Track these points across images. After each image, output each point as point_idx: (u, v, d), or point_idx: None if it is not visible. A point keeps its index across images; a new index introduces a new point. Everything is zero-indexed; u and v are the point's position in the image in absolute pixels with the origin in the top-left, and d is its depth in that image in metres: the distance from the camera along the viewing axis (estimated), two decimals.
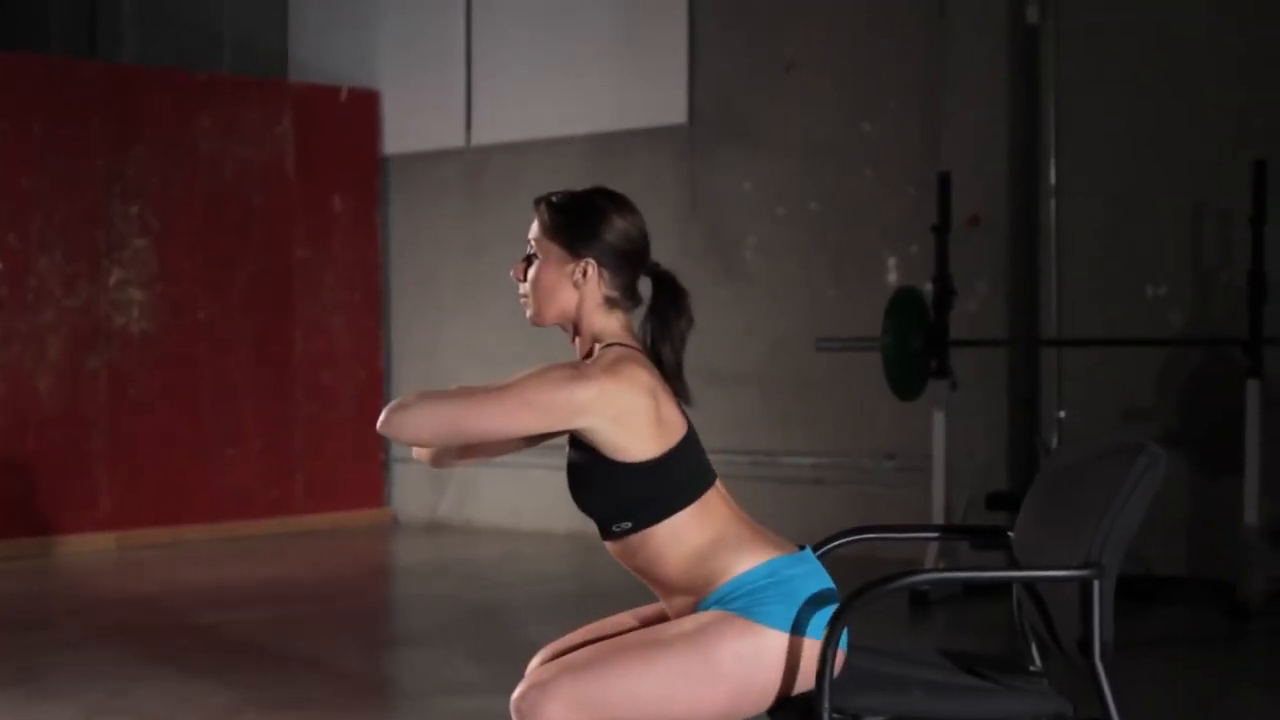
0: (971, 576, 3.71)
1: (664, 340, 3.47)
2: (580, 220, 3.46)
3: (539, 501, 11.42)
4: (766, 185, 10.30)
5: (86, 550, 10.53)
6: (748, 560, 3.33)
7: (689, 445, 3.40)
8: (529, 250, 3.51)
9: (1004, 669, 3.60)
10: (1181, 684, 6.63)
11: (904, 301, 8.54)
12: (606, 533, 3.44)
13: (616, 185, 13.09)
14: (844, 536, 3.82)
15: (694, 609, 3.37)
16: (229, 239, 11.30)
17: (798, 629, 3.28)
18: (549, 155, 11.29)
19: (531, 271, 3.50)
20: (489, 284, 11.68)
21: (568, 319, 3.50)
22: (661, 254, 12.73)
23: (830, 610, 3.29)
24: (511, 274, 3.54)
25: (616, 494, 3.36)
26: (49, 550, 10.40)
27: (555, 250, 3.47)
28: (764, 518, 10.94)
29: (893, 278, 9.76)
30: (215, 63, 12.27)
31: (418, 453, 3.65)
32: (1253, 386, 7.93)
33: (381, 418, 3.35)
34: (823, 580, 3.36)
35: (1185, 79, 8.86)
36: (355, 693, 6.55)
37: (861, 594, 3.22)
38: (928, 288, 8.88)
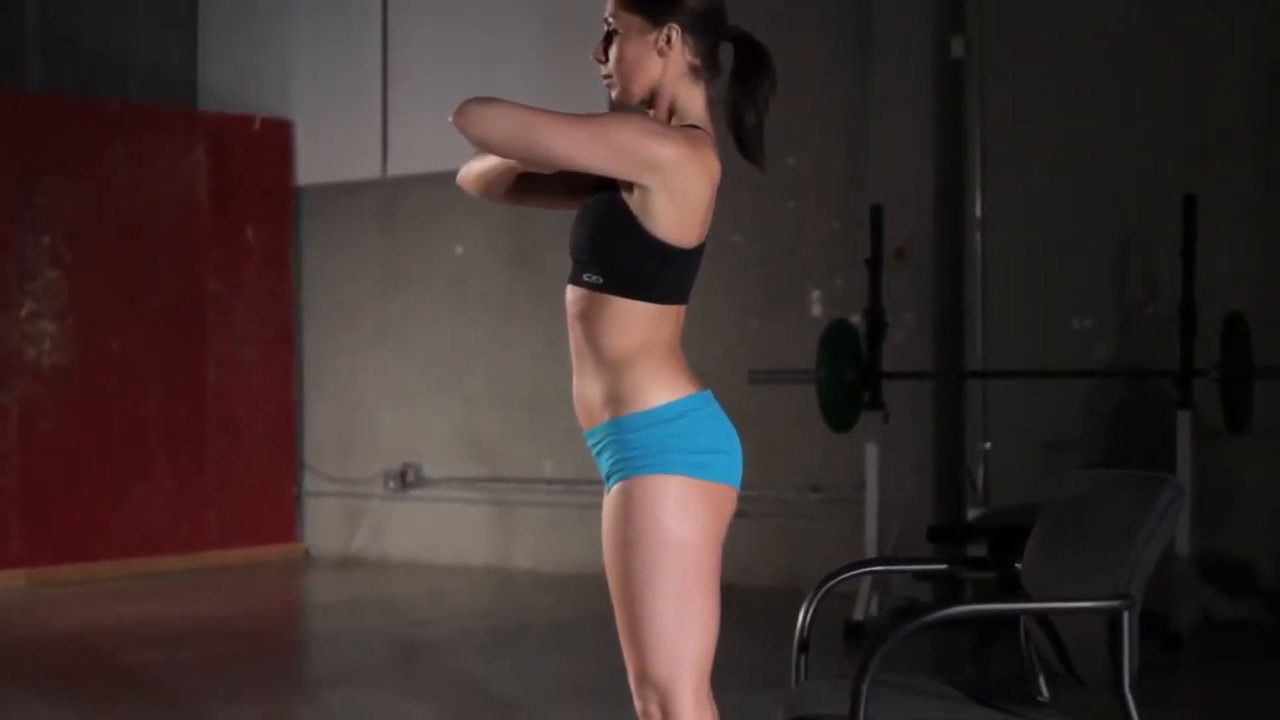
0: (1003, 608, 3.69)
1: (748, 104, 3.46)
2: None
3: (456, 535, 11.34)
4: None
5: None
6: (660, 392, 3.36)
7: (695, 257, 3.42)
8: (607, 28, 3.46)
9: (1014, 700, 3.60)
10: (1114, 714, 6.66)
11: (838, 334, 8.56)
12: (576, 277, 3.42)
13: (536, 218, 13.11)
14: (853, 569, 3.82)
15: (602, 410, 3.38)
16: (142, 270, 11.14)
17: (699, 474, 3.33)
18: None
19: (613, 49, 3.45)
20: (406, 316, 11.60)
21: (653, 92, 3.46)
22: None
23: (731, 456, 3.37)
24: (591, 56, 3.50)
25: (613, 248, 3.35)
26: None
27: (636, 21, 3.43)
28: None
29: (816, 310, 9.79)
30: (122, 91, 12.10)
31: (466, 174, 3.63)
32: (1183, 418, 8.00)
33: (456, 108, 3.25)
34: (722, 424, 3.41)
35: (1109, 113, 8.96)
36: None
37: (895, 628, 3.21)
38: (852, 320, 8.92)
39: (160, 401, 11.21)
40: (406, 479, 11.55)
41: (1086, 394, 9.00)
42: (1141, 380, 8.83)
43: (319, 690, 7.58)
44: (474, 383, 11.27)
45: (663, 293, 3.37)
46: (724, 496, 3.36)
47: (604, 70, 3.49)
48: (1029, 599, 3.67)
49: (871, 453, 8.61)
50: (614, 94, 3.49)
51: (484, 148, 3.34)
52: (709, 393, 3.43)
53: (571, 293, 3.43)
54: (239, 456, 11.64)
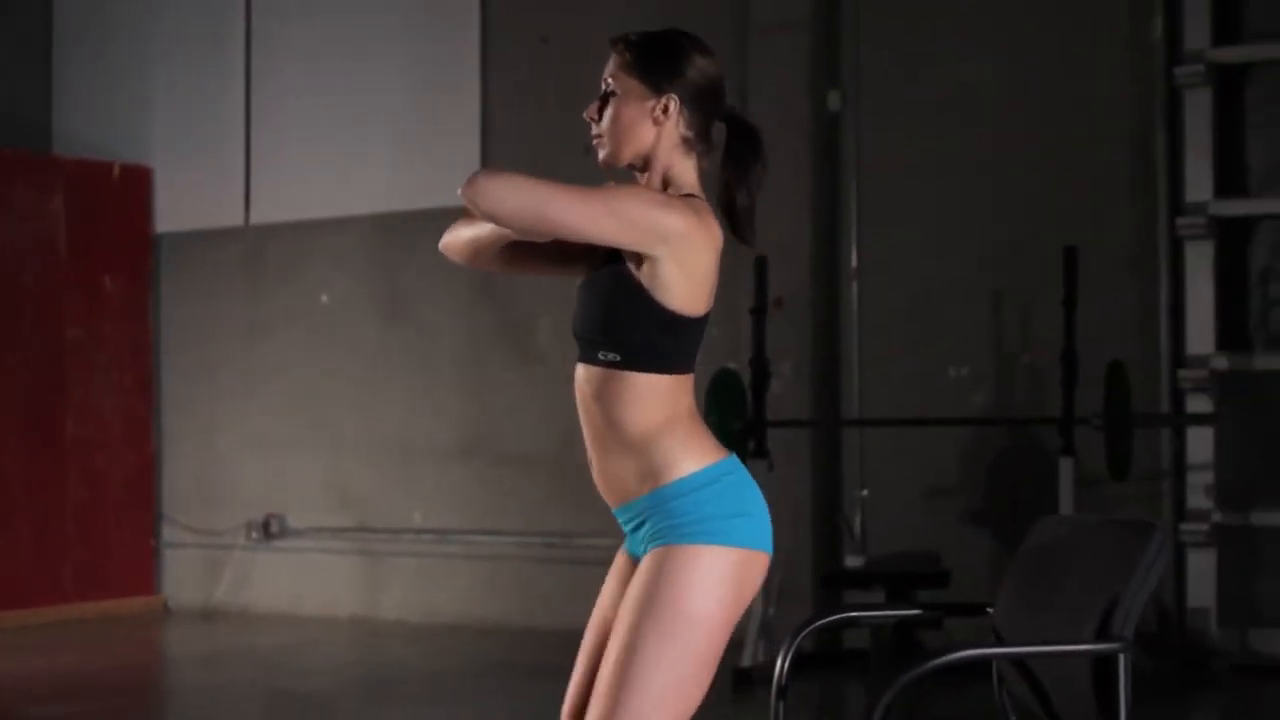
0: (1005, 653, 3.70)
1: (740, 185, 3.44)
2: (663, 56, 3.42)
3: (321, 585, 11.19)
4: None
5: None
6: (693, 460, 3.34)
7: (703, 325, 3.40)
8: (605, 88, 3.44)
9: None
10: None
11: (724, 382, 8.61)
12: (589, 356, 3.40)
13: (404, 267, 12.98)
14: (824, 617, 3.83)
15: (639, 484, 3.36)
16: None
17: (735, 540, 3.31)
18: (333, 235, 11.13)
19: (609, 110, 3.43)
20: (269, 366, 11.45)
21: (642, 159, 3.45)
22: (452, 337, 12.70)
23: (764, 520, 3.35)
24: (585, 114, 3.48)
25: (625, 323, 3.33)
26: None
27: (636, 86, 3.41)
28: (559, 600, 10.85)
29: None
30: None
31: (454, 240, 3.57)
32: (1065, 465, 8.13)
33: (466, 180, 3.22)
34: (752, 489, 3.38)
35: (985, 165, 9.11)
36: None
37: (903, 675, 3.23)
38: (731, 367, 8.98)
39: (18, 451, 10.96)
40: (270, 529, 11.38)
41: (966, 442, 9.12)
42: (1022, 428, 8.97)
43: None
44: (341, 433, 11.15)
45: (677, 363, 3.37)
46: (758, 563, 3.36)
47: (595, 130, 3.47)
48: (1004, 642, 3.71)
49: None
50: (602, 154, 3.46)
51: (493, 221, 3.31)
52: (735, 457, 3.42)
53: (584, 372, 3.40)
54: (99, 507, 11.40)
